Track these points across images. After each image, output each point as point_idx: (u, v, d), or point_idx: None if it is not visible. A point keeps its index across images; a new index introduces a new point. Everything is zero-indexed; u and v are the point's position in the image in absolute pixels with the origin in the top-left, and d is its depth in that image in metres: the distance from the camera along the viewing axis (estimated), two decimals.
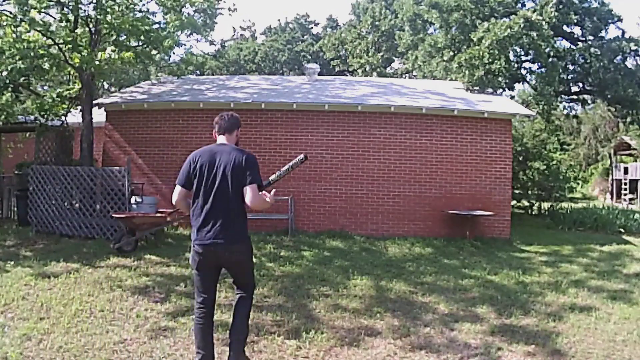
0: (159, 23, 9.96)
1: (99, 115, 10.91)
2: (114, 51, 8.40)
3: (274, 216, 9.59)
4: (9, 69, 8.20)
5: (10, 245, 7.77)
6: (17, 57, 8.12)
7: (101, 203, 8.42)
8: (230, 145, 3.50)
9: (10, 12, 8.58)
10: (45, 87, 12.76)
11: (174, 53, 10.69)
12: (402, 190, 9.96)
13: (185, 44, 12.73)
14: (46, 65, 8.77)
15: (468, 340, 4.43)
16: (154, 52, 9.77)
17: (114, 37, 9.30)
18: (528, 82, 15.97)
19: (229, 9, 11.08)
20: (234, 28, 44.51)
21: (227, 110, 10.13)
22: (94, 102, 10.21)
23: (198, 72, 28.03)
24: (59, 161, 10.08)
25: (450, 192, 9.95)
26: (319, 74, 14.83)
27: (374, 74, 27.94)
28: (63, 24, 9.22)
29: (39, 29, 8.37)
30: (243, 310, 3.50)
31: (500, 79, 13.07)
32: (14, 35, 8.01)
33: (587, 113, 27.29)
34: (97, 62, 8.23)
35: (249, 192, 3.28)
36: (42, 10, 8.80)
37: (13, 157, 13.22)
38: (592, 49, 14.37)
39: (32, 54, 8.18)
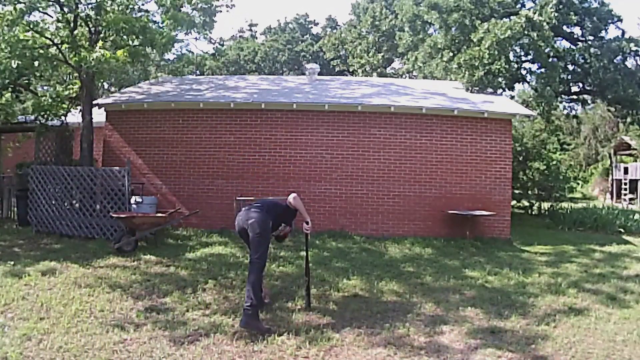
0: (156, 22, 9.96)
1: (99, 115, 10.91)
2: (105, 48, 8.38)
3: None
4: (7, 68, 8.19)
5: (10, 245, 7.77)
6: (14, 57, 8.11)
7: (101, 203, 8.41)
8: None
9: (8, 12, 8.58)
10: (45, 87, 12.76)
11: (170, 52, 10.62)
12: (402, 190, 9.96)
13: (182, 41, 12.63)
14: (43, 65, 8.76)
15: (468, 340, 4.43)
16: (149, 50, 9.73)
17: (113, 37, 9.30)
18: (528, 83, 15.97)
19: (227, 5, 11.01)
20: (233, 28, 44.51)
21: (227, 110, 10.22)
22: (94, 102, 10.21)
23: (198, 72, 28.05)
24: (59, 161, 10.09)
25: (450, 192, 9.95)
26: (319, 74, 14.83)
27: (374, 74, 27.93)
28: (62, 24, 9.22)
29: (35, 28, 8.37)
30: (249, 278, 4.58)
31: (500, 79, 13.06)
32: (10, 35, 8.01)
33: (587, 113, 27.29)
34: (91, 61, 8.20)
35: (289, 197, 4.94)
36: (41, 10, 8.80)
37: (13, 157, 13.22)
38: (592, 49, 14.37)
39: (28, 53, 8.17)
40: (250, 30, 43.94)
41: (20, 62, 8.12)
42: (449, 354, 4.12)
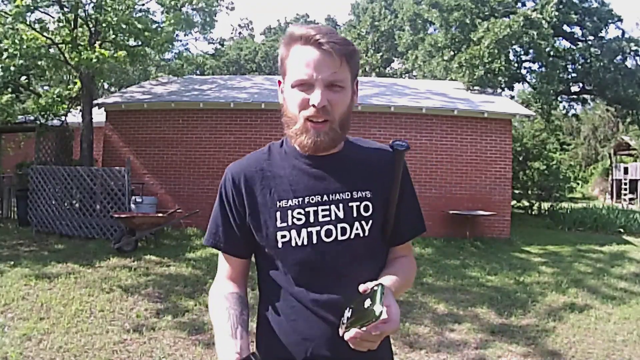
0: (157, 22, 9.96)
1: (99, 115, 10.90)
2: (106, 49, 8.38)
3: None
4: (8, 68, 8.19)
5: (10, 245, 7.76)
6: (17, 57, 8.10)
7: (101, 203, 8.41)
8: None
9: (9, 12, 8.58)
10: (46, 87, 12.75)
11: (171, 52, 10.66)
12: None
13: (181, 40, 12.63)
14: (44, 65, 8.76)
15: (468, 340, 4.42)
16: (149, 50, 9.72)
17: (113, 37, 9.29)
18: (528, 82, 15.98)
19: (227, 7, 11.03)
20: (232, 26, 44.43)
21: (228, 110, 10.20)
22: (94, 102, 10.20)
23: (198, 71, 28.04)
24: (59, 161, 10.07)
25: (450, 192, 9.94)
26: None
27: (373, 74, 27.94)
28: (62, 24, 9.21)
29: (36, 27, 8.36)
30: None
31: (500, 78, 13.07)
32: (12, 35, 8.01)
33: (587, 113, 27.30)
34: (92, 61, 8.20)
35: None
36: (41, 10, 8.80)
37: (13, 157, 13.22)
38: (592, 49, 14.38)
39: (30, 53, 8.17)
40: (247, 27, 43.85)
41: (22, 61, 8.12)
42: (449, 352, 4.11)
